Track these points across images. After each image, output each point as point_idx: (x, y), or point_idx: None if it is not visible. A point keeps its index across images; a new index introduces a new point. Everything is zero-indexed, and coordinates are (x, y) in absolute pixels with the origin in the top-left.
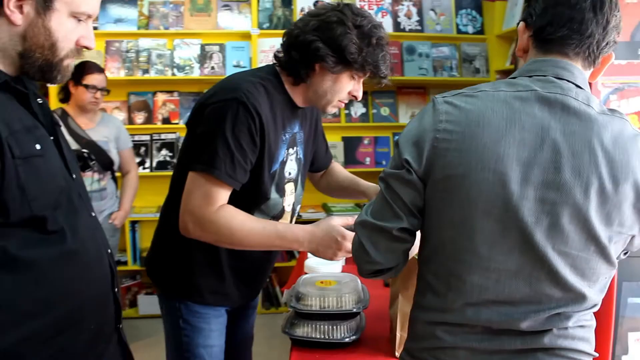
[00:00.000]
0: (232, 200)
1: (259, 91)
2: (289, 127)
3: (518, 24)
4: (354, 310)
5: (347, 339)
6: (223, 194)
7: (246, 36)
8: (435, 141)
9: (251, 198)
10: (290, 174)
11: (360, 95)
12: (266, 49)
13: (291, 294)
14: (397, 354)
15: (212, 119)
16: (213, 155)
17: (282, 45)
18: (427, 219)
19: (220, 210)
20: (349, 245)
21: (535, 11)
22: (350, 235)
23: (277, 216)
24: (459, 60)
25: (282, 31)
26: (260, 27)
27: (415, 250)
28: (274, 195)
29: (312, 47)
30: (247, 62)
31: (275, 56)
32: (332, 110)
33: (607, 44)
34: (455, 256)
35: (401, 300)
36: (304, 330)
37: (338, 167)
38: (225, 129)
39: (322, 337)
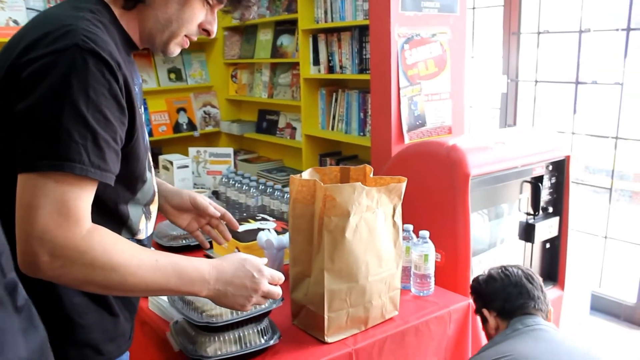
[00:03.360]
0: (96, 197)
1: (100, 29)
2: (135, 76)
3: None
4: (274, 306)
5: (272, 342)
6: (87, 200)
7: None
8: None
9: (125, 187)
10: (144, 139)
11: (214, 30)
12: None
13: (177, 306)
14: (328, 338)
15: (45, 85)
16: (63, 140)
17: None
18: None
19: (93, 234)
20: (266, 284)
21: (490, 301)
22: (269, 271)
23: (150, 201)
24: None
25: None
26: None
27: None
28: (148, 174)
29: None
30: None
31: None
32: (174, 50)
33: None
34: None
35: (327, 278)
36: (216, 347)
37: None
38: (73, 95)
39: (244, 347)
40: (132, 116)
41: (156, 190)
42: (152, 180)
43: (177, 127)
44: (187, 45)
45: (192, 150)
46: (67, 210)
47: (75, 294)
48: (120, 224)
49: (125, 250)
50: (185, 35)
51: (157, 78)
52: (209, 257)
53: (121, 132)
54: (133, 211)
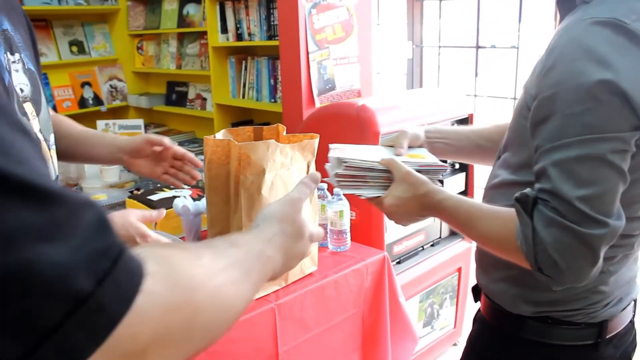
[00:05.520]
0: None
1: None
2: None
3: None
4: None
5: None
6: None
7: None
8: None
9: None
10: (22, 90)
11: None
12: None
13: None
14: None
15: None
16: None
17: None
18: None
19: None
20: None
21: None
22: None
23: None
24: None
25: None
26: None
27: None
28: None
29: None
30: None
31: None
32: None
33: None
34: None
35: None
36: None
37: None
38: None
39: None
40: None
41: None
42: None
43: (82, 103)
44: None
45: (100, 124)
46: None
47: None
48: None
49: None
50: None
51: (58, 51)
52: None
53: None
54: None
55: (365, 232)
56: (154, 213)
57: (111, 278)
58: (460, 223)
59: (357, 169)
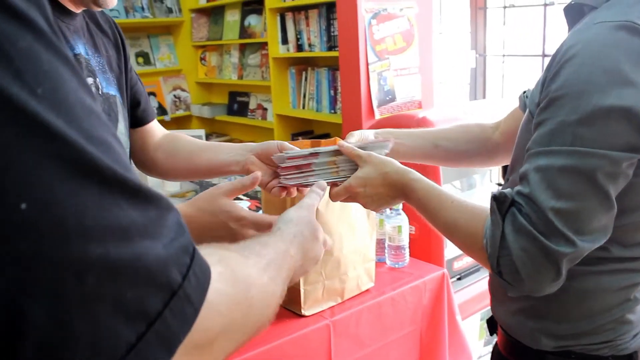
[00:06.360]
0: None
1: None
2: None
3: None
4: None
5: None
6: None
7: None
8: None
9: None
10: None
11: None
12: None
13: None
14: (305, 311)
15: None
16: None
17: None
18: None
19: None
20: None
21: None
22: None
23: None
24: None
25: None
26: None
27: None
28: None
29: None
30: None
31: None
32: (112, 1)
33: None
34: None
35: None
36: None
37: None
38: None
39: None
40: None
41: None
42: None
43: None
44: None
45: None
46: None
47: None
48: None
49: None
50: None
51: None
52: None
53: None
54: None
55: (424, 247)
56: (246, 180)
57: (192, 271)
58: (429, 208)
59: (300, 157)
